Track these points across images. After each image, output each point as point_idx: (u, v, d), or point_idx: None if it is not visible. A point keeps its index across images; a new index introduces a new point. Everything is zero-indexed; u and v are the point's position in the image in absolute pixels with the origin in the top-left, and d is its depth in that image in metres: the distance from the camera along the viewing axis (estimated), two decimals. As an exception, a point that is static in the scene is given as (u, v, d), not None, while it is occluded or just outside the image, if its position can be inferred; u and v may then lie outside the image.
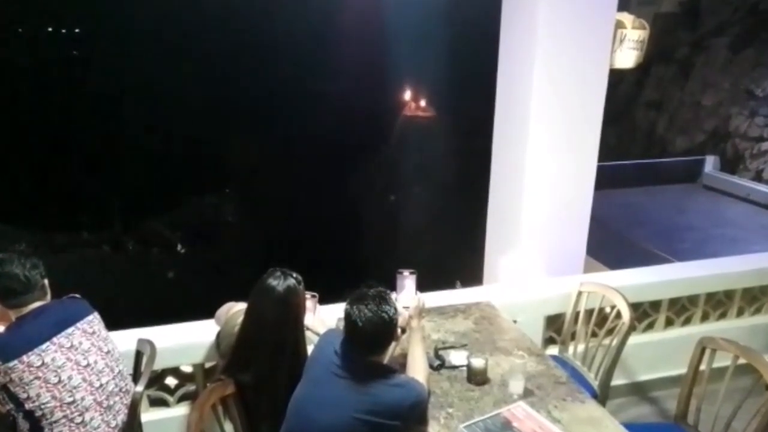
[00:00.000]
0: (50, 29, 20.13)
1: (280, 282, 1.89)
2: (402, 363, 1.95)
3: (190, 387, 2.49)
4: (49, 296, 1.88)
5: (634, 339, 2.78)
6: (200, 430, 1.72)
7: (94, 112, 18.36)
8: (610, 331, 2.48)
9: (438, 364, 2.10)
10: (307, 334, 2.05)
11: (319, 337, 1.96)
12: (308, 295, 2.09)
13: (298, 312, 1.96)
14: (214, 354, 2.33)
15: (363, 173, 17.76)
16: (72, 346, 1.82)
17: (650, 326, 3.19)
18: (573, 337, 2.72)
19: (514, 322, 2.59)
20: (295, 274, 1.95)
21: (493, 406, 1.87)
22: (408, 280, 2.19)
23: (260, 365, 1.89)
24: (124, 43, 18.61)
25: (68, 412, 1.78)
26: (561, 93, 2.87)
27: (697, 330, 3.16)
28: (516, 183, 3.06)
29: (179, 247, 16.65)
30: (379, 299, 1.70)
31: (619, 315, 2.44)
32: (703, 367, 2.14)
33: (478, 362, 2.01)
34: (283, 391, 1.83)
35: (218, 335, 2.15)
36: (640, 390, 3.15)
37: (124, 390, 1.95)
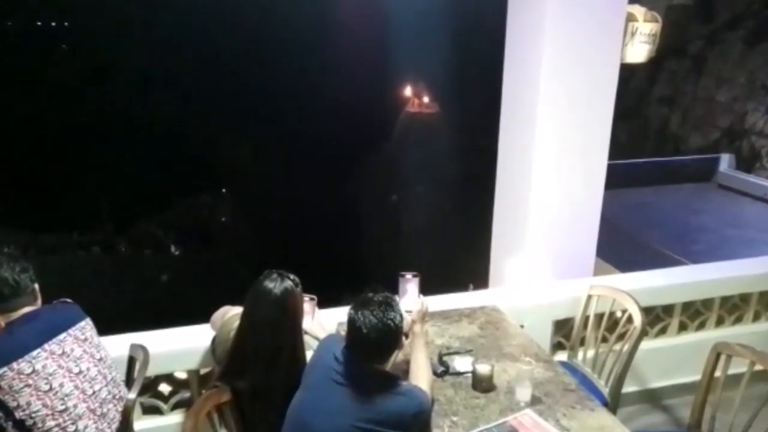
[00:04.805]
0: (39, 23, 20.12)
1: (276, 284, 1.85)
2: (404, 369, 1.92)
3: (185, 394, 2.46)
4: (39, 301, 1.85)
5: (646, 344, 2.71)
6: (194, 439, 1.68)
7: (86, 109, 18.39)
8: (621, 337, 2.43)
9: (442, 370, 2.06)
10: (306, 338, 2.01)
11: (319, 342, 1.92)
12: (306, 297, 2.04)
13: (296, 315, 1.92)
14: (209, 360, 2.29)
15: (364, 172, 17.72)
16: (64, 353, 1.78)
17: (663, 331, 3.12)
18: (582, 342, 2.66)
19: (521, 326, 2.55)
20: (292, 276, 1.91)
21: (500, 414, 1.84)
22: (411, 284, 2.14)
23: (257, 371, 1.85)
24: (117, 40, 18.62)
25: (61, 420, 1.75)
26: (570, 89, 2.80)
27: (711, 335, 3.09)
28: (523, 182, 3.01)
29: (173, 248, 16.73)
30: (385, 305, 1.67)
31: (630, 319, 2.39)
32: (717, 373, 2.08)
33: (483, 368, 1.97)
34: (281, 399, 1.79)
35: (214, 340, 2.12)
36: (652, 397, 3.09)
37: (117, 397, 1.92)
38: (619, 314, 2.54)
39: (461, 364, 2.09)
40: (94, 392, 1.82)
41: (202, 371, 2.41)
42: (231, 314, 2.05)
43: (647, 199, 7.97)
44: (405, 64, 17.94)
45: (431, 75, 18.15)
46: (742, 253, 4.93)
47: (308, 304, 2.07)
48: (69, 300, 1.94)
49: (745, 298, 3.22)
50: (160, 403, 2.45)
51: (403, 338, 1.80)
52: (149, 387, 2.40)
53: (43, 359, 1.73)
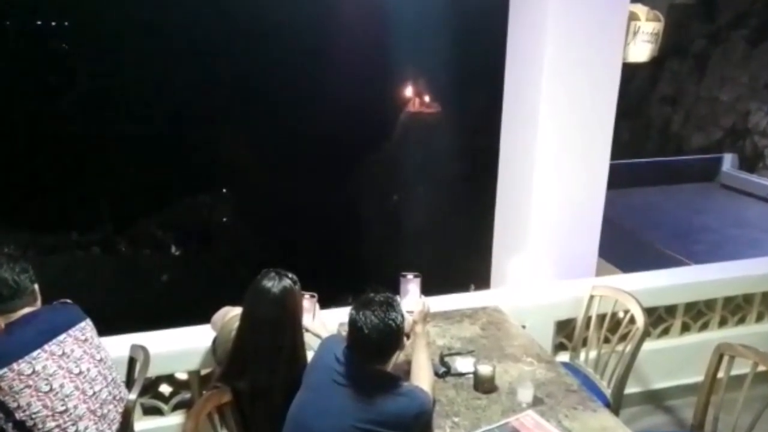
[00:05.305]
0: (39, 22, 20.04)
1: (275, 283, 1.84)
2: (406, 370, 1.91)
3: (186, 395, 2.45)
4: (39, 302, 1.84)
5: (648, 345, 2.70)
6: (195, 440, 1.67)
7: (85, 108, 18.31)
8: (623, 337, 2.42)
9: (443, 371, 2.05)
10: (307, 338, 1.99)
11: (319, 342, 1.91)
12: (307, 295, 2.03)
13: (296, 314, 1.91)
14: (210, 360, 2.28)
15: (365, 172, 17.66)
16: (64, 353, 1.77)
17: (665, 332, 3.10)
18: (584, 343, 2.65)
19: (523, 327, 2.54)
20: (290, 275, 1.90)
21: (501, 415, 1.83)
22: (412, 284, 2.13)
23: (257, 371, 1.84)
24: (116, 38, 18.53)
25: (61, 421, 1.74)
26: (571, 88, 2.79)
27: (714, 336, 3.07)
28: (525, 182, 2.99)
29: (173, 248, 16.69)
30: (387, 306, 1.66)
31: (632, 320, 2.37)
32: (720, 374, 2.07)
33: (485, 369, 1.96)
34: (282, 399, 1.78)
35: (214, 341, 2.11)
36: (654, 398, 3.07)
37: (118, 398, 1.91)
38: (621, 315, 2.53)
39: (463, 364, 2.08)
40: (94, 393, 1.81)
41: (203, 372, 2.40)
42: (232, 315, 2.04)
43: (649, 199, 7.95)
44: (406, 63, 17.90)
45: (432, 74, 18.10)
46: (745, 253, 4.92)
47: (308, 302, 2.06)
48: (69, 300, 1.93)
49: (748, 298, 3.19)
50: (161, 404, 2.44)
51: (405, 339, 1.79)
52: (150, 388, 2.39)
53: (43, 360, 1.72)
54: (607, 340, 2.55)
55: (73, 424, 1.75)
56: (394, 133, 18.88)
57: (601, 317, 2.56)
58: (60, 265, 13.63)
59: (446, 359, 2.11)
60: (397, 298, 1.82)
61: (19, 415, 1.69)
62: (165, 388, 2.45)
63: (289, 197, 16.66)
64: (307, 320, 2.02)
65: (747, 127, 9.18)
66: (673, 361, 3.03)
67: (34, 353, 1.71)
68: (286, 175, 17.51)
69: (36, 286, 1.82)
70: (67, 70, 18.97)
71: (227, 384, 1.83)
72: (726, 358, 2.05)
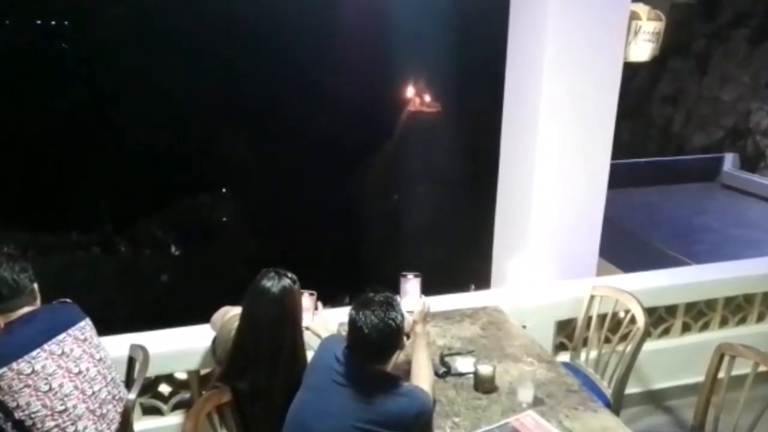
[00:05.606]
0: (39, 22, 20.00)
1: (274, 283, 1.84)
2: (406, 370, 1.91)
3: (185, 395, 2.45)
4: (38, 301, 1.84)
5: (649, 345, 2.69)
6: (194, 439, 1.67)
7: (85, 108, 18.27)
8: (624, 337, 2.42)
9: (444, 371, 2.05)
10: (307, 336, 1.99)
11: (319, 342, 1.91)
12: (306, 293, 2.03)
13: (295, 313, 1.90)
14: (209, 360, 2.28)
15: (365, 172, 17.65)
16: (63, 353, 1.77)
17: (666, 332, 3.10)
18: (585, 343, 2.65)
19: (524, 327, 2.53)
20: (290, 274, 1.90)
21: (501, 416, 1.83)
22: (412, 284, 2.12)
23: (257, 371, 1.84)
24: (116, 38, 18.50)
25: (60, 421, 1.74)
26: (572, 88, 2.79)
27: (715, 336, 3.06)
28: (525, 182, 2.99)
29: (173, 248, 16.67)
30: (386, 305, 1.66)
31: (633, 320, 2.37)
32: (721, 374, 2.07)
33: (485, 369, 1.96)
34: (281, 399, 1.78)
35: (214, 341, 2.11)
36: (655, 399, 3.06)
37: (117, 398, 1.91)
38: (621, 315, 2.53)
39: (463, 364, 2.08)
40: (93, 393, 1.81)
41: (203, 372, 2.40)
42: (231, 314, 2.03)
43: (650, 199, 7.94)
44: (407, 63, 17.93)
45: (433, 74, 18.14)
46: (745, 253, 4.91)
47: (308, 300, 2.05)
48: (68, 300, 1.93)
49: (749, 298, 3.19)
50: (160, 404, 2.44)
51: (405, 338, 1.78)
52: (149, 387, 2.39)
53: (42, 359, 1.72)
54: (607, 340, 2.55)
55: (72, 424, 1.75)
56: (394, 133, 18.89)
57: (602, 317, 2.56)
58: (60, 265, 13.64)
59: (446, 359, 2.10)
60: (397, 297, 1.81)
61: (18, 415, 1.69)
62: (164, 388, 2.45)
63: (289, 197, 16.67)
64: (306, 319, 2.02)
65: (748, 127, 9.18)
66: (673, 361, 3.03)
67: (34, 353, 1.71)
68: (286, 174, 17.51)
69: (35, 286, 1.82)
70: (67, 70, 18.94)
71: (227, 384, 1.83)
72: (727, 358, 2.05)
